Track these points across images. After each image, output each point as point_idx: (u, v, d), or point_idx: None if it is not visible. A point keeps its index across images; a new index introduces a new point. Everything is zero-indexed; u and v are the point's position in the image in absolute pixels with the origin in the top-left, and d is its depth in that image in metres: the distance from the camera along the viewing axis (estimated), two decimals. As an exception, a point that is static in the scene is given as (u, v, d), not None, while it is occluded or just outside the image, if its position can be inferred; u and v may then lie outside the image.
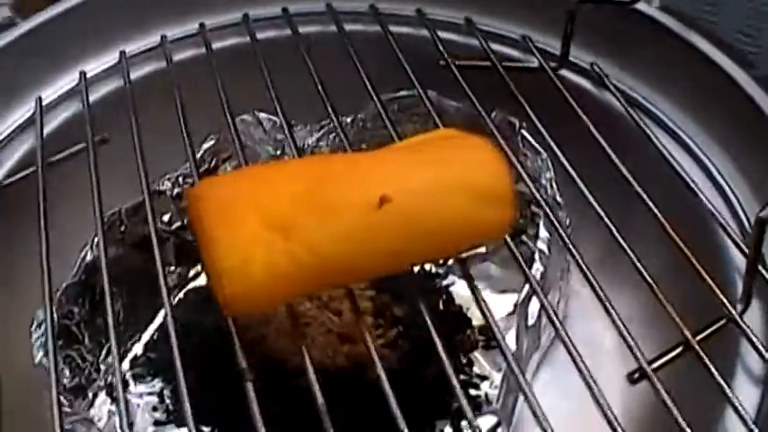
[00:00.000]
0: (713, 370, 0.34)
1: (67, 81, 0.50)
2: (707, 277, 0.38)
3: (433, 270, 0.53)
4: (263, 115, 0.52)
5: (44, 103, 0.49)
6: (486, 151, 0.37)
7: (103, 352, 0.47)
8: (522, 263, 0.39)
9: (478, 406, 0.46)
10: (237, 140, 0.45)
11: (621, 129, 0.48)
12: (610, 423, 0.32)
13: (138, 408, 0.46)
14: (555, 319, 0.36)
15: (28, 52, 0.49)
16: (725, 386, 0.34)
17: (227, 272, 0.35)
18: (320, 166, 0.38)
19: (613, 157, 0.44)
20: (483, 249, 0.54)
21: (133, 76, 0.51)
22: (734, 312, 0.36)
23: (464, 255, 0.38)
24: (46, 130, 0.48)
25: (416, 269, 0.52)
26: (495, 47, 0.53)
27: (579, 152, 0.46)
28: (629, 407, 0.39)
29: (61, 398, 0.40)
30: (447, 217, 0.36)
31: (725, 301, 0.37)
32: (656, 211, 0.41)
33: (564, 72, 0.51)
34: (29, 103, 0.49)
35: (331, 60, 0.51)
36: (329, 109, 0.47)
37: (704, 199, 0.42)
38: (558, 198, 0.48)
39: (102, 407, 0.46)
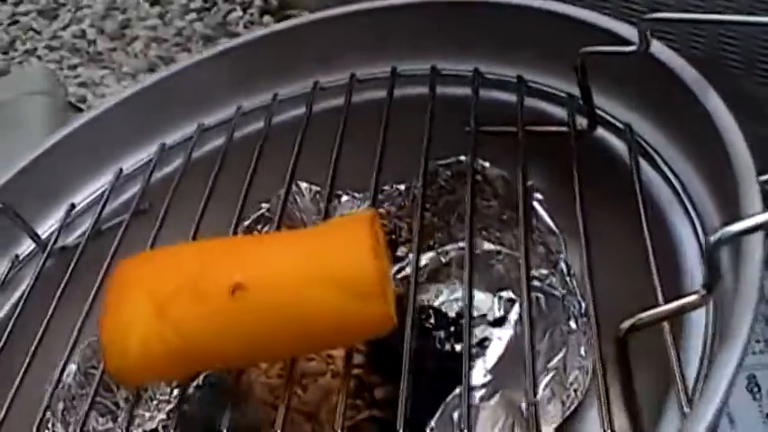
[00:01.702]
0: None
1: (149, 153, 0.56)
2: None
3: (457, 350, 0.49)
4: (304, 185, 0.53)
5: (126, 173, 0.55)
6: (356, 240, 0.35)
7: (143, 401, 0.52)
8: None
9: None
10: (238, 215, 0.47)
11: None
12: None
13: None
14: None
15: (113, 125, 0.56)
16: None
17: (107, 347, 0.37)
18: (210, 249, 0.38)
19: (584, 246, 0.38)
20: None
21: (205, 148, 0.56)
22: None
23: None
24: (124, 196, 0.55)
25: (440, 348, 0.49)
26: (543, 106, 0.49)
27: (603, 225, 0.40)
28: None
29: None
30: (307, 309, 0.35)
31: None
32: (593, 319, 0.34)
33: (600, 131, 0.45)
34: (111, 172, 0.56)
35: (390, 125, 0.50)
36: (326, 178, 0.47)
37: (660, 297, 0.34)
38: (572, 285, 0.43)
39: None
